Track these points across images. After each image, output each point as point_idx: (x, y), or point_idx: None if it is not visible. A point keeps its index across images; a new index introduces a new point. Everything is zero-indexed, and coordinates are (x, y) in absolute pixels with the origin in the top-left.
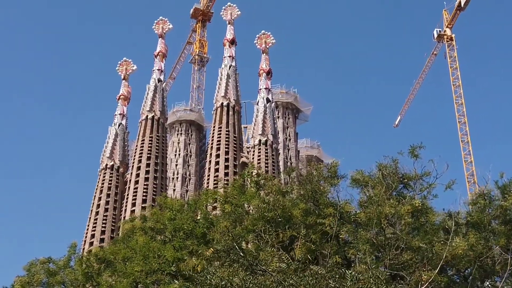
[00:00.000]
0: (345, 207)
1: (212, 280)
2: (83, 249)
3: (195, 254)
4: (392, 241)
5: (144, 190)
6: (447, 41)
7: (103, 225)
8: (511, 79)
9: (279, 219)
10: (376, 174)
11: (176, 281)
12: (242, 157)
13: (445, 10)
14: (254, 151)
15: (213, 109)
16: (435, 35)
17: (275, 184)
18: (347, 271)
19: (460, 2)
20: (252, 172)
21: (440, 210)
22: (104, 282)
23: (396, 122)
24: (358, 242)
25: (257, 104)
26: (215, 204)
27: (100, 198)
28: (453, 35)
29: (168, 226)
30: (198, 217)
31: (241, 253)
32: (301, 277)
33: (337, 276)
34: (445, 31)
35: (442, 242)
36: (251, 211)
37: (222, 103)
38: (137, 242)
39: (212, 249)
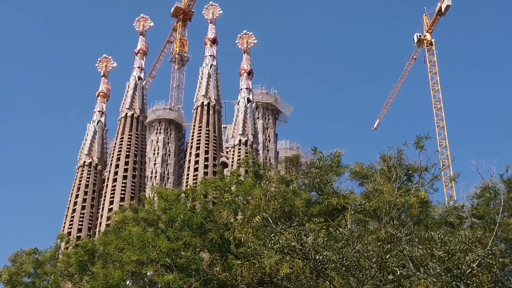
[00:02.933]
0: (350, 197)
1: (280, 241)
2: (59, 246)
3: (189, 246)
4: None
5: (122, 189)
6: (427, 46)
7: (80, 223)
8: (490, 84)
9: (281, 209)
10: (377, 166)
11: (171, 273)
12: (222, 157)
13: (425, 15)
14: (234, 151)
15: (194, 108)
16: (415, 40)
17: (278, 172)
18: (434, 234)
19: (440, 8)
20: (250, 162)
21: (443, 203)
22: (101, 271)
23: (375, 126)
24: (367, 232)
25: (238, 104)
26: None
27: (77, 196)
28: (433, 40)
29: (162, 216)
30: (195, 207)
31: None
32: (367, 243)
33: (416, 240)
34: (425, 35)
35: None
36: (251, 201)
37: (202, 102)
38: (130, 232)
39: (259, 217)
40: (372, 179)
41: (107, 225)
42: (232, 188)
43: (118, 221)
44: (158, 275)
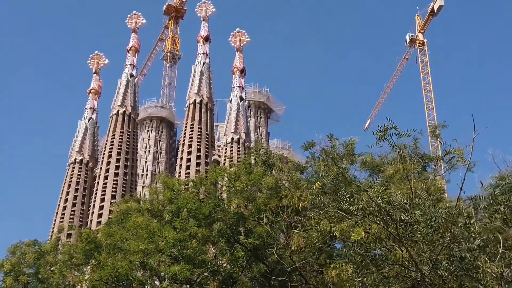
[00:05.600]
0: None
1: (363, 199)
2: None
3: (195, 237)
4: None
5: (114, 186)
6: (419, 46)
7: (71, 220)
8: (482, 85)
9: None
10: (388, 157)
11: (178, 264)
12: (214, 155)
13: (417, 15)
14: (226, 149)
15: (186, 105)
16: (407, 40)
17: (292, 160)
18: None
19: (433, 8)
20: (259, 151)
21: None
22: (109, 261)
23: (366, 126)
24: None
25: (231, 102)
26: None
27: (68, 193)
28: (425, 40)
29: (169, 206)
30: (202, 196)
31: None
32: (449, 207)
33: (493, 208)
34: (417, 36)
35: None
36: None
37: (195, 100)
38: (135, 223)
39: (319, 184)
40: (386, 166)
41: (98, 223)
42: (241, 177)
43: (120, 212)
44: (164, 266)
